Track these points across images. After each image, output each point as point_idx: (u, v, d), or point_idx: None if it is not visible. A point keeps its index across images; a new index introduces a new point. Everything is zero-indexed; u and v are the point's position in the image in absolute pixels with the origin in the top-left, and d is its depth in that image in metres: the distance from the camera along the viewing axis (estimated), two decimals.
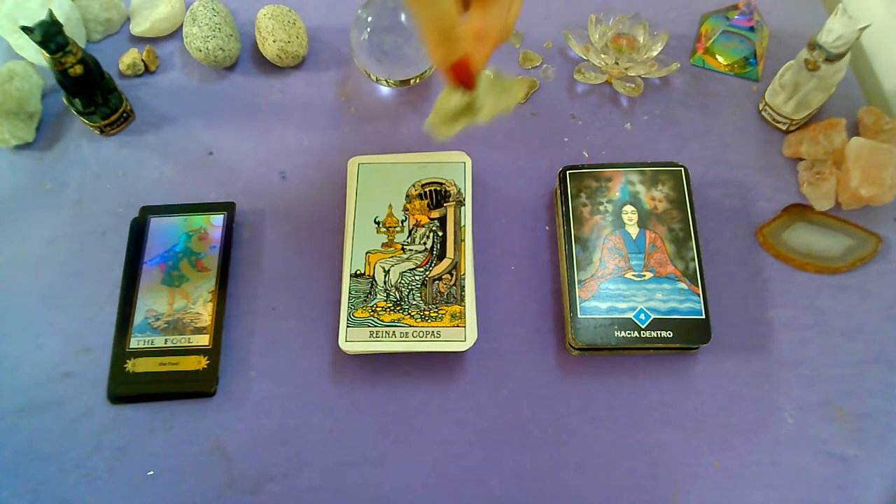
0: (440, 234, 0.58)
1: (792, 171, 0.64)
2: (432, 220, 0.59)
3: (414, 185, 0.60)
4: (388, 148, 0.66)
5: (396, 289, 0.56)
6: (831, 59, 0.57)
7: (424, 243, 0.58)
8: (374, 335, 0.54)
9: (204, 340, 0.57)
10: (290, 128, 0.68)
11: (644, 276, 0.55)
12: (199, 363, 0.56)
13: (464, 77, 0.41)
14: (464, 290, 0.56)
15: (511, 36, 0.71)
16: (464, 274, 0.56)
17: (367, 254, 0.58)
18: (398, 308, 0.55)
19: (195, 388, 0.55)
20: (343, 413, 0.56)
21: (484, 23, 0.40)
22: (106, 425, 0.55)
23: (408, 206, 0.60)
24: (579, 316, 0.54)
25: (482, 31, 0.41)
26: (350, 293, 0.56)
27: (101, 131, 0.67)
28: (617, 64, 0.66)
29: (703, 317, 0.54)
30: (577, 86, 0.69)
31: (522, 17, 0.72)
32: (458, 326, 0.54)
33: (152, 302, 0.58)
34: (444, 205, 0.59)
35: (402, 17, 0.63)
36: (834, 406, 0.55)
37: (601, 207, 0.58)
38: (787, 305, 0.58)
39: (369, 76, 0.68)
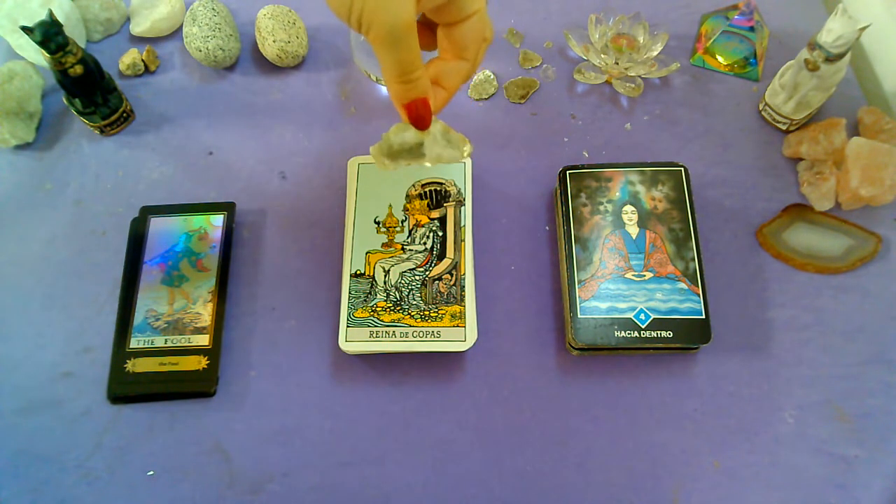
0: (440, 234, 0.58)
1: (792, 171, 0.64)
2: (432, 220, 0.59)
3: (414, 185, 0.60)
4: None
5: (396, 289, 0.56)
6: (831, 59, 0.57)
7: (424, 243, 0.58)
8: (374, 335, 0.54)
9: (204, 340, 0.57)
10: (290, 128, 0.68)
11: (644, 276, 0.55)
12: (199, 363, 0.56)
13: (419, 115, 0.41)
14: (464, 290, 0.56)
15: (512, 36, 0.71)
16: (464, 274, 0.56)
17: (367, 254, 0.58)
18: (398, 308, 0.55)
19: (195, 388, 0.55)
20: (343, 413, 0.56)
21: (446, 74, 0.42)
22: (106, 425, 0.55)
23: (408, 206, 0.60)
24: (579, 316, 0.54)
25: (444, 82, 0.42)
26: (350, 293, 0.56)
27: (101, 131, 0.67)
28: (617, 64, 0.66)
29: (703, 317, 0.54)
30: (577, 86, 0.69)
31: (522, 17, 0.73)
32: (458, 326, 0.54)
33: (152, 302, 0.58)
34: (444, 205, 0.59)
35: None
36: (834, 406, 0.55)
37: (601, 207, 0.58)
38: (787, 305, 0.58)
39: (369, 76, 0.68)
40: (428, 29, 0.43)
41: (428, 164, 0.45)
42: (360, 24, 0.36)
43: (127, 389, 0.56)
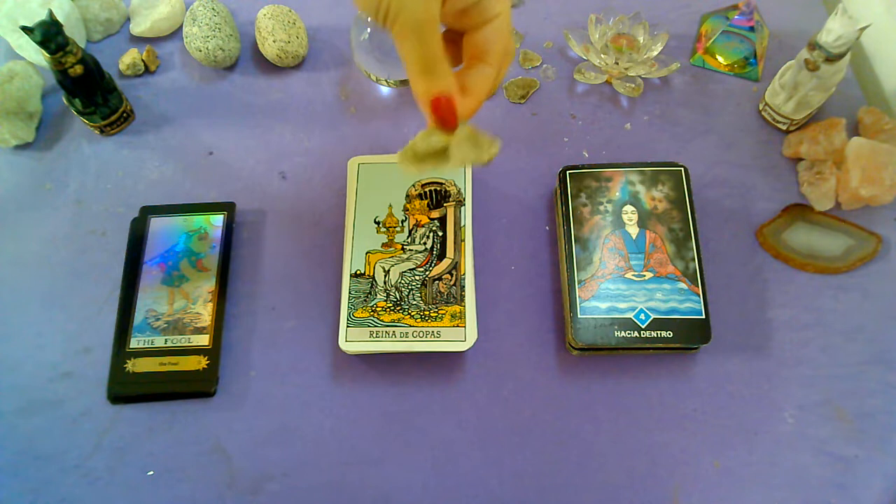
0: (440, 234, 0.58)
1: (792, 171, 0.64)
2: (432, 220, 0.59)
3: (414, 185, 0.60)
4: (388, 148, 0.66)
5: (396, 289, 0.56)
6: (831, 59, 0.57)
7: (424, 243, 0.58)
8: (374, 335, 0.54)
9: (204, 340, 0.57)
10: (290, 128, 0.68)
11: (644, 276, 0.55)
12: (199, 363, 0.56)
13: (445, 116, 0.40)
14: (464, 290, 0.56)
15: (512, 36, 0.71)
16: (464, 274, 0.56)
17: (367, 254, 0.58)
18: (398, 308, 0.55)
19: (195, 388, 0.55)
20: (343, 413, 0.56)
21: (472, 80, 0.42)
22: (106, 425, 0.55)
23: (408, 206, 0.60)
24: (579, 316, 0.54)
25: (471, 88, 0.41)
26: (350, 293, 0.56)
27: (101, 131, 0.67)
28: (617, 64, 0.66)
29: (703, 317, 0.54)
30: (577, 86, 0.69)
31: (522, 17, 0.73)
32: (458, 326, 0.54)
33: (152, 302, 0.58)
34: (444, 205, 0.59)
35: None
36: (834, 406, 0.55)
37: (601, 207, 0.58)
38: (787, 305, 0.58)
39: (369, 76, 0.68)
40: (453, 44, 0.43)
41: (452, 167, 0.44)
42: (386, 18, 0.37)
43: (127, 389, 0.56)
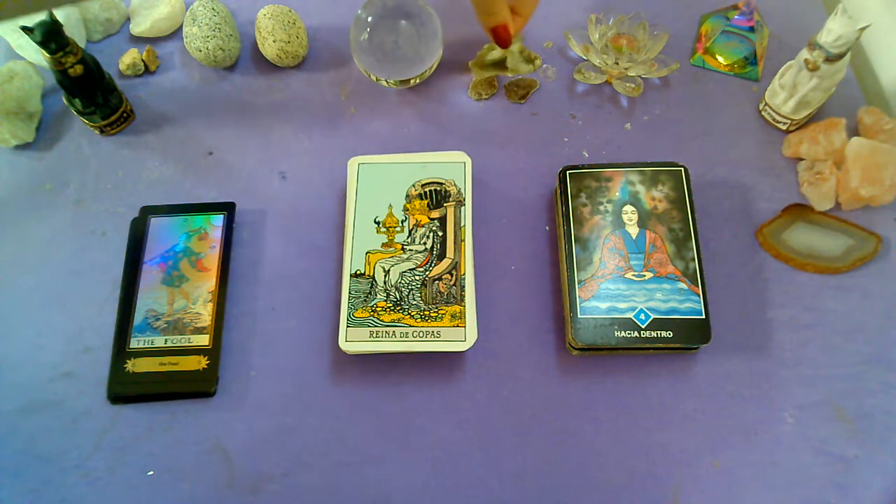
0: (440, 234, 0.58)
1: (792, 171, 0.64)
2: (432, 220, 0.59)
3: (414, 185, 0.60)
4: (388, 148, 0.66)
5: (396, 289, 0.56)
6: (831, 59, 0.57)
7: (424, 243, 0.58)
8: (374, 335, 0.54)
9: (204, 340, 0.57)
10: (290, 128, 0.68)
11: (644, 276, 0.55)
12: (199, 363, 0.56)
13: (501, 38, 0.58)
14: (464, 290, 0.56)
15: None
16: (464, 274, 0.56)
17: (367, 254, 0.58)
18: (398, 308, 0.55)
19: (195, 388, 0.55)
20: (343, 413, 0.56)
21: (521, 4, 0.59)
22: (106, 425, 0.55)
23: (408, 206, 0.60)
24: (579, 316, 0.54)
25: (519, 10, 0.59)
26: (350, 293, 0.56)
27: (101, 131, 0.67)
28: (617, 64, 0.66)
29: (703, 317, 0.54)
30: (577, 86, 0.69)
31: None
32: (458, 326, 0.54)
33: (152, 302, 0.58)
34: (444, 205, 0.59)
35: (402, 18, 0.63)
36: (834, 406, 0.55)
37: (601, 207, 0.58)
38: (787, 305, 0.58)
39: (369, 76, 0.68)
40: None
41: (510, 75, 0.64)
42: None
43: (127, 389, 0.56)
